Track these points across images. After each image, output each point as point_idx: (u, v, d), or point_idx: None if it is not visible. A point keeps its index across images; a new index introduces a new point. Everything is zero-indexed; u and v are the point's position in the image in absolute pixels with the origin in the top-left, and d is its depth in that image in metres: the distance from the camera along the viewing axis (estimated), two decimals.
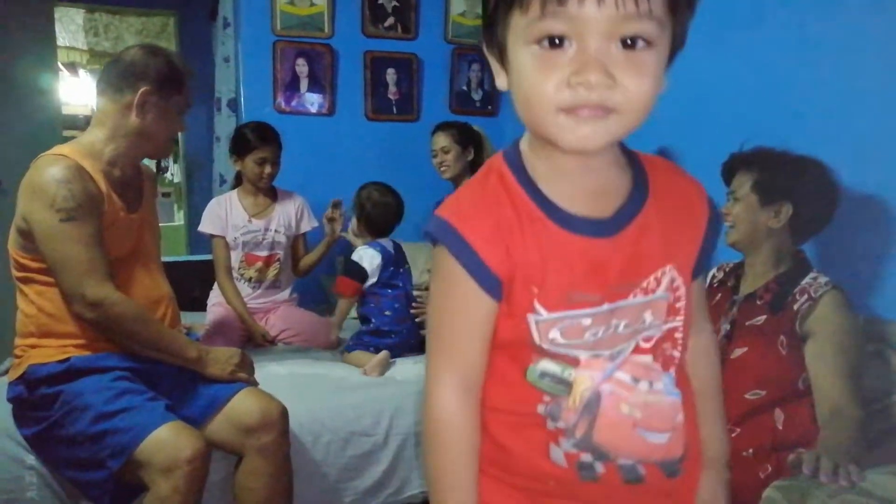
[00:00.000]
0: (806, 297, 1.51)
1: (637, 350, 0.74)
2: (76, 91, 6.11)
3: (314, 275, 3.03)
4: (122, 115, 1.60)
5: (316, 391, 1.93)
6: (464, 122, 2.85)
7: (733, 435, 1.51)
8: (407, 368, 2.15)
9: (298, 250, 2.70)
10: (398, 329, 2.30)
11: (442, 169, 2.74)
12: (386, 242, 2.40)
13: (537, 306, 0.71)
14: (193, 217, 4.96)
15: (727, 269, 1.77)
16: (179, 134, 1.85)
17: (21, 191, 1.53)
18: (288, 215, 2.64)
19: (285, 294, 2.69)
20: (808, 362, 1.48)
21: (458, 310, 0.74)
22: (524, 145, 0.76)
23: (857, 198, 1.74)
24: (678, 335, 0.76)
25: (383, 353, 2.17)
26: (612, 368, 0.72)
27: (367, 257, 2.31)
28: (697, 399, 0.81)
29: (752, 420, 1.51)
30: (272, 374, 1.95)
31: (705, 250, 0.79)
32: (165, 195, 5.88)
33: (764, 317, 1.57)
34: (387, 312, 2.30)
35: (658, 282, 0.74)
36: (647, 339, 0.74)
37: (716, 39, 2.18)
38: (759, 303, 1.59)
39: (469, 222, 0.72)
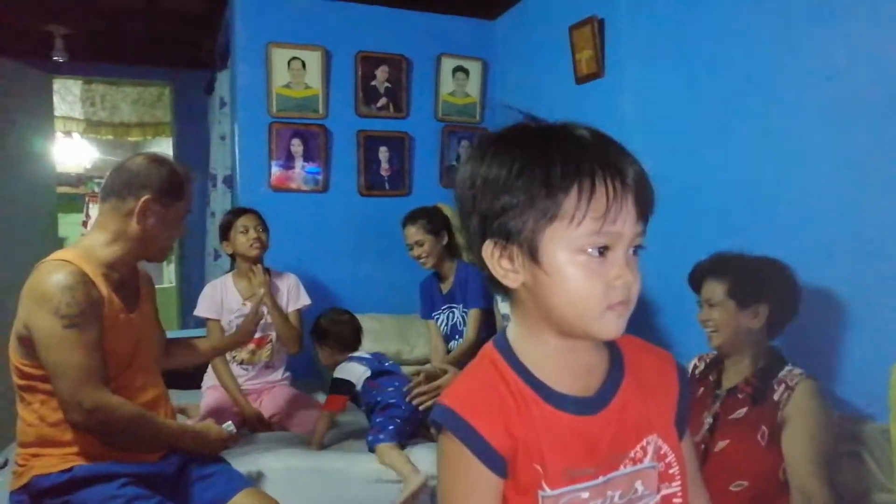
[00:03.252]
0: (784, 386, 1.60)
1: None
2: (70, 152, 6.30)
3: (306, 351, 3.05)
4: (124, 221, 1.64)
5: (312, 487, 1.94)
6: (431, 207, 2.90)
7: None
8: (422, 454, 2.07)
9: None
10: (404, 404, 2.22)
11: (421, 261, 2.79)
12: (365, 354, 2.34)
13: (543, 484, 0.75)
14: (186, 287, 4.95)
15: (708, 361, 1.85)
16: None
17: (23, 297, 1.53)
18: (281, 296, 2.68)
19: (278, 374, 2.72)
20: (784, 448, 1.56)
21: (468, 492, 0.77)
22: (513, 335, 0.83)
23: (832, 299, 1.82)
24: (676, 500, 0.82)
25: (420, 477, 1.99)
26: None
27: (349, 370, 2.28)
28: None
29: None
30: (268, 468, 1.96)
31: (681, 415, 0.86)
32: None
33: (745, 409, 1.65)
34: (389, 389, 2.24)
35: (644, 451, 0.80)
36: None
37: (686, 138, 2.29)
38: (740, 396, 1.68)
39: (469, 406, 0.77)
